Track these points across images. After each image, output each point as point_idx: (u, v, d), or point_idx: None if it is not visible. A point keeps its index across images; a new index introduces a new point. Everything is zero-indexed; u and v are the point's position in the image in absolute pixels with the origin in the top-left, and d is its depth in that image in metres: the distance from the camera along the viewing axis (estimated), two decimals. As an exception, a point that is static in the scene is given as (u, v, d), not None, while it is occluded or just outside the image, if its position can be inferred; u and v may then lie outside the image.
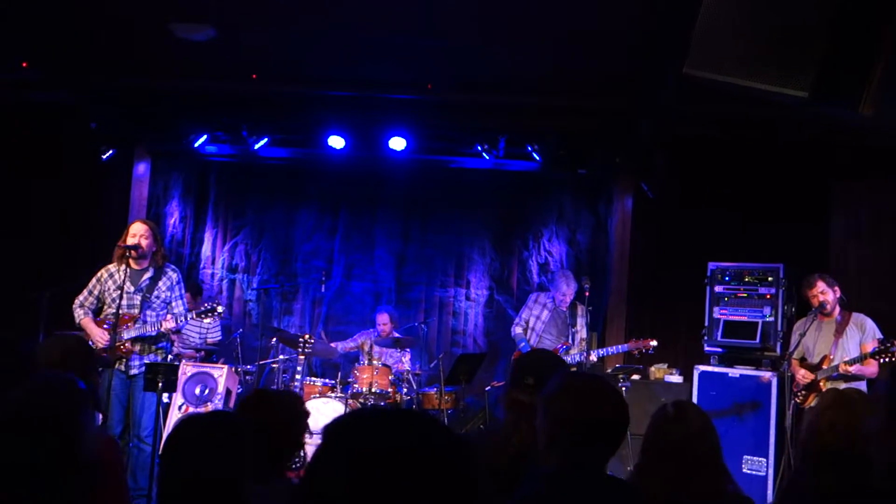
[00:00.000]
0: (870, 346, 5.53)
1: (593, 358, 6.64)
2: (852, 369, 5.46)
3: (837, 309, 5.80)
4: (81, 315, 5.39)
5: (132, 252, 5.32)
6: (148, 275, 5.44)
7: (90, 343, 5.17)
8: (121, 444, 5.16)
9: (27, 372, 2.56)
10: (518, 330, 6.99)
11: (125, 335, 5.26)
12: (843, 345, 5.67)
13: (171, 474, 2.08)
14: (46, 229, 8.10)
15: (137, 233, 5.39)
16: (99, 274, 5.46)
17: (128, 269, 5.33)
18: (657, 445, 2.41)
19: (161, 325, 5.36)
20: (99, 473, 2.19)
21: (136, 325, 5.32)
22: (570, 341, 6.79)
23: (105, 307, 5.41)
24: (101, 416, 4.94)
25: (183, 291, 5.63)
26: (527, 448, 2.62)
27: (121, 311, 5.21)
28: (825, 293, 5.74)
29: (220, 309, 5.68)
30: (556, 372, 2.83)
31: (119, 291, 5.23)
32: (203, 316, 5.66)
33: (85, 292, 5.44)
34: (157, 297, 5.45)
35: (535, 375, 2.79)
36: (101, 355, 5.12)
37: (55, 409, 1.99)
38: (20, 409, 1.97)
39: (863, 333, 5.66)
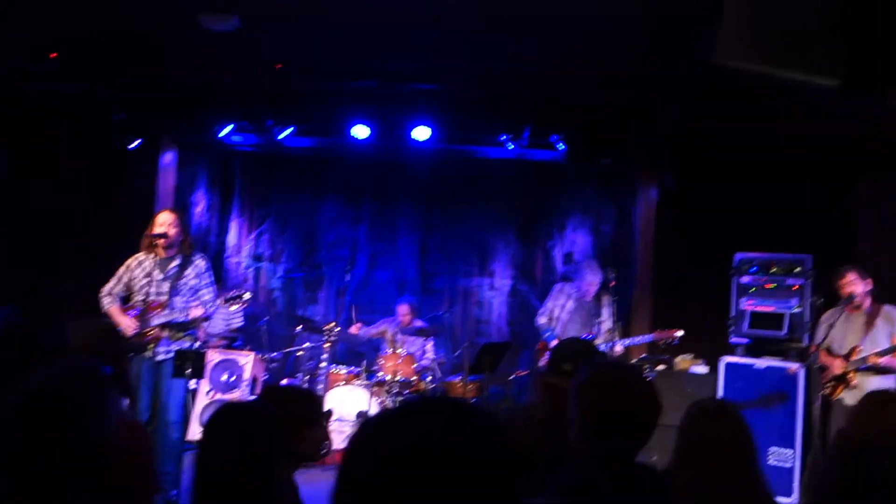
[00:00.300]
0: None
1: (619, 349, 6.61)
2: (882, 361, 5.40)
3: (868, 301, 5.74)
4: (108, 303, 5.46)
5: (160, 241, 5.41)
6: (176, 262, 5.51)
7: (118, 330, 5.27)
8: (149, 431, 5.23)
9: (54, 357, 2.58)
10: (542, 320, 6.96)
11: (154, 321, 5.33)
12: (873, 336, 5.62)
13: (207, 460, 2.11)
14: (73, 219, 8.20)
15: (165, 222, 5.47)
16: (128, 262, 5.54)
17: (156, 258, 5.42)
18: (692, 444, 2.39)
19: (189, 313, 5.42)
20: (126, 458, 2.21)
21: (165, 312, 5.38)
22: (595, 331, 6.76)
23: (133, 295, 5.49)
24: (128, 401, 5.02)
25: (212, 279, 5.68)
26: (552, 427, 2.62)
27: (149, 299, 5.31)
28: (855, 284, 5.70)
29: (246, 296, 5.76)
30: (592, 358, 2.85)
31: (147, 279, 5.33)
32: (230, 302, 5.74)
33: (113, 280, 5.52)
34: (185, 285, 5.51)
35: (573, 362, 2.79)
36: (131, 341, 5.20)
37: (72, 394, 1.99)
38: (39, 393, 1.97)
39: (893, 326, 5.60)
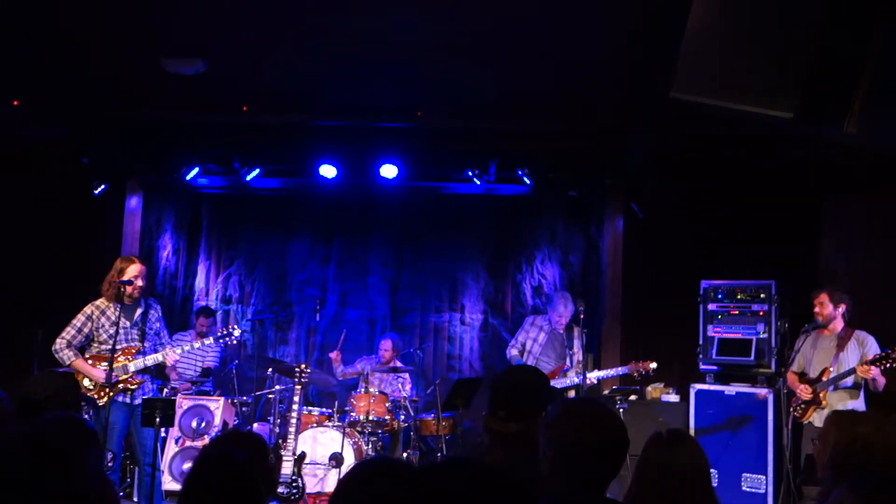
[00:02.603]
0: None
1: (592, 380, 6.62)
2: (873, 371, 5.41)
3: (841, 324, 5.84)
4: (71, 356, 5.36)
5: (128, 288, 5.36)
6: (140, 309, 5.53)
7: (82, 381, 5.24)
8: (121, 471, 5.43)
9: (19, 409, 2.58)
10: (514, 352, 6.97)
11: (131, 368, 5.34)
12: (844, 359, 5.70)
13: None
14: (39, 265, 8.08)
15: (139, 273, 5.44)
16: (88, 311, 5.45)
17: (118, 306, 5.36)
18: (650, 472, 2.41)
19: (167, 357, 5.48)
20: None
21: (141, 358, 5.40)
22: (567, 363, 6.78)
23: (96, 344, 5.41)
24: (110, 455, 5.04)
25: (164, 323, 5.81)
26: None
27: (121, 346, 5.33)
28: (824, 307, 5.82)
29: (237, 332, 5.96)
30: (532, 398, 2.81)
31: (114, 328, 5.31)
32: (223, 339, 5.92)
33: (72, 331, 5.40)
34: (151, 329, 5.56)
35: (507, 407, 2.75)
36: (86, 394, 5.19)
37: (62, 446, 2.02)
38: (29, 444, 2.00)
39: (864, 349, 5.69)
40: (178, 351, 5.56)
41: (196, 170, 8.02)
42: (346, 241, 8.73)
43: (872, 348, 5.68)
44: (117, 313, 5.33)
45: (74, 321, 5.42)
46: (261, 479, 2.43)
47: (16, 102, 6.83)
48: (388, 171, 7.76)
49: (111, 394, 5.24)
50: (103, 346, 5.36)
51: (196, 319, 7.85)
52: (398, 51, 5.93)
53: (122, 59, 6.26)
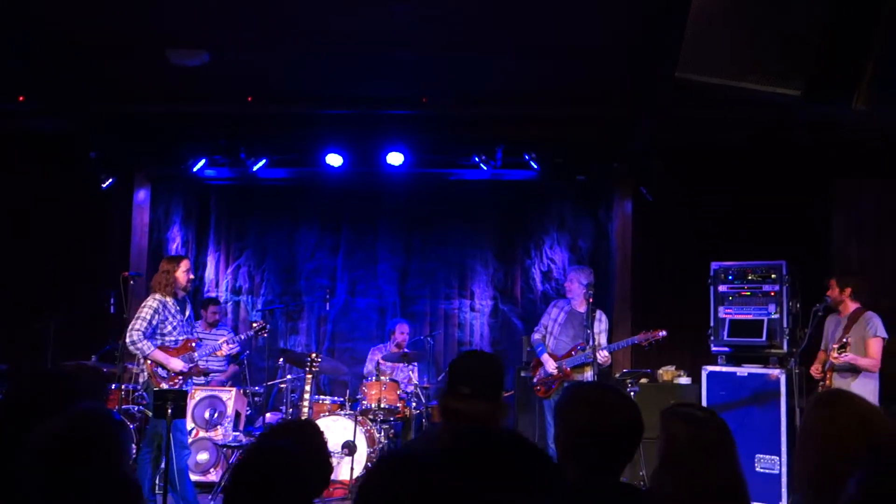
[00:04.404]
0: (870, 342, 5.75)
1: (604, 354, 6.46)
2: (847, 357, 5.60)
3: (851, 307, 5.97)
4: (152, 346, 5.62)
5: (188, 285, 5.90)
6: (189, 305, 6.01)
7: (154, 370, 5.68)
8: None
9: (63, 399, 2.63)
10: (536, 336, 6.88)
11: (196, 357, 5.81)
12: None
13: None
14: (49, 258, 8.13)
15: (189, 268, 5.91)
16: (154, 305, 5.69)
17: (174, 300, 5.80)
18: (674, 450, 2.31)
19: (222, 348, 6.27)
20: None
21: (198, 349, 5.88)
22: (585, 342, 6.66)
23: (159, 336, 5.70)
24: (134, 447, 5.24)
25: None
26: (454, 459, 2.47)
27: (184, 338, 5.78)
28: (832, 289, 6.05)
29: (267, 327, 6.68)
30: (498, 378, 2.71)
31: (175, 320, 5.74)
32: (258, 334, 6.59)
33: (143, 323, 5.62)
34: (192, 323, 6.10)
35: (471, 385, 2.64)
36: (157, 384, 5.60)
37: (102, 433, 2.09)
38: (64, 436, 2.05)
39: (865, 330, 5.82)
40: (236, 347, 6.35)
41: (203, 161, 8.03)
42: (354, 230, 8.72)
43: (874, 327, 5.83)
44: (174, 307, 5.75)
45: (143, 314, 5.65)
46: (309, 468, 2.38)
47: (21, 98, 6.84)
48: (395, 158, 7.75)
49: (183, 382, 5.69)
50: (167, 338, 5.72)
51: (206, 310, 7.86)
52: (402, 38, 5.90)
53: (127, 53, 6.26)
